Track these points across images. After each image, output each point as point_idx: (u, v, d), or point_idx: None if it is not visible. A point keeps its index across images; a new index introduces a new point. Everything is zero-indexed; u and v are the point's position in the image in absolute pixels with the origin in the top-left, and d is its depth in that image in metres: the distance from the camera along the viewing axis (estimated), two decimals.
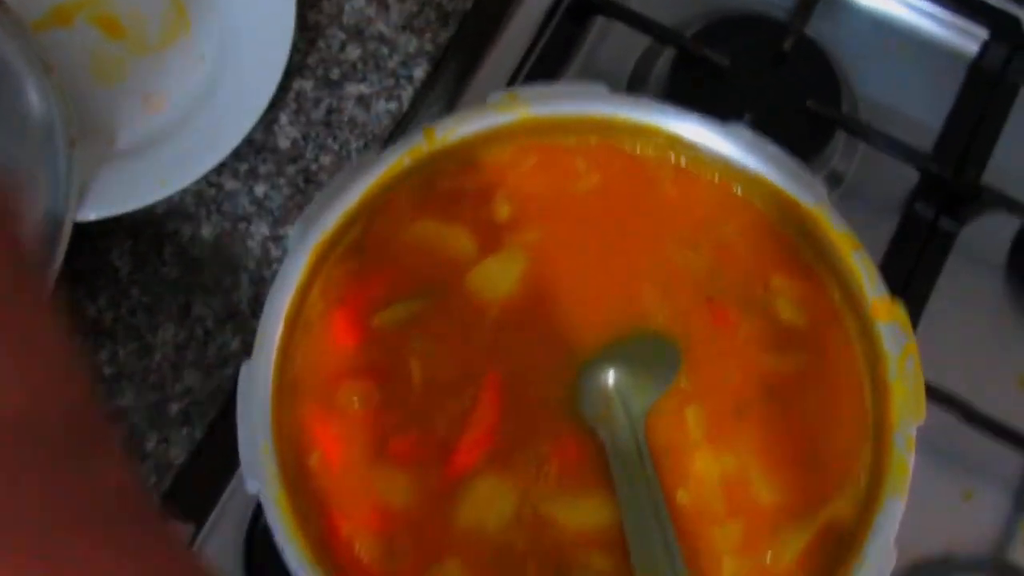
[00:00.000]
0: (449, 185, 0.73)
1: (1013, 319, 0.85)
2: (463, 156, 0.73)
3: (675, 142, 0.72)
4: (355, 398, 0.69)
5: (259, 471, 0.65)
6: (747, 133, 0.71)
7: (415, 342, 0.70)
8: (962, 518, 0.81)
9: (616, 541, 0.67)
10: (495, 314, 0.71)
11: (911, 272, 0.84)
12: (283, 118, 0.88)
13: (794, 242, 0.72)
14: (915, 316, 0.82)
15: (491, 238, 0.72)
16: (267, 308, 0.68)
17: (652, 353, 0.69)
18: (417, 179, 0.73)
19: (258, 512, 0.75)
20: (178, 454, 0.79)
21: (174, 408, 0.80)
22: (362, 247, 0.72)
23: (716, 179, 0.72)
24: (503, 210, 0.72)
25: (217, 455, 0.78)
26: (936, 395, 0.78)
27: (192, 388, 0.80)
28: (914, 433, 0.66)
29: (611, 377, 0.68)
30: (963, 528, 0.81)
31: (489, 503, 0.68)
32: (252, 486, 0.65)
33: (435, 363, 0.70)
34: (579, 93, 0.74)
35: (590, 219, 0.73)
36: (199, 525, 0.77)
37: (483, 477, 0.68)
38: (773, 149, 0.71)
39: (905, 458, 0.66)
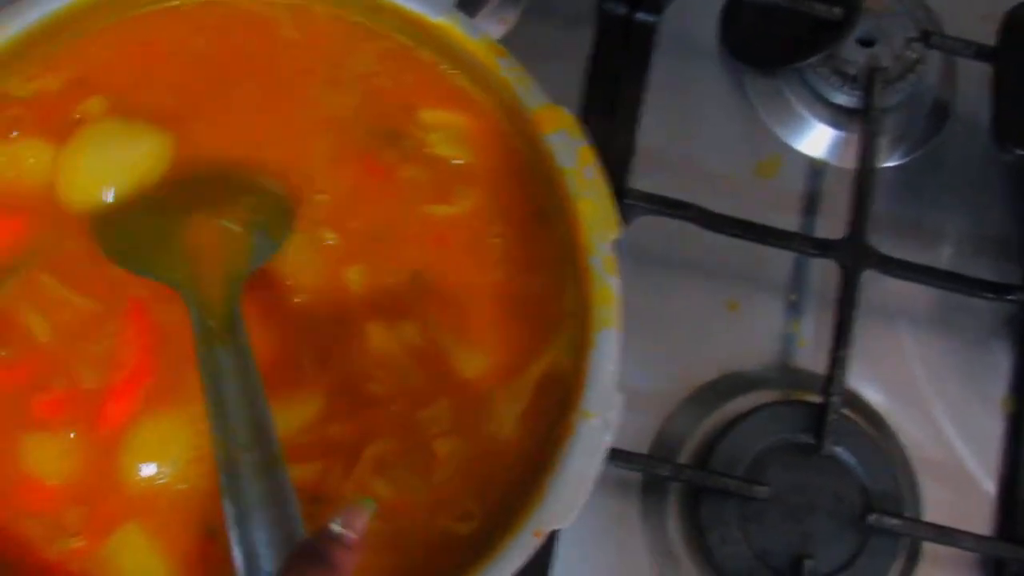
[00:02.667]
0: (27, 91, 0.61)
1: (738, 105, 0.76)
2: (34, 55, 0.61)
3: None
4: None
5: None
6: None
7: (29, 302, 0.60)
8: (733, 332, 0.72)
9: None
10: None
11: (618, 76, 0.74)
12: None
13: (439, 68, 0.61)
14: (632, 121, 0.73)
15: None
16: None
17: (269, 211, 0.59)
18: None
19: None
20: None
21: None
22: None
23: (336, 11, 0.61)
24: (94, 104, 0.61)
25: None
26: (669, 206, 0.69)
27: None
28: (612, 252, 0.57)
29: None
30: (737, 343, 0.72)
31: (159, 449, 0.58)
32: None
33: (60, 311, 0.59)
34: None
35: (215, 89, 0.62)
36: None
37: (146, 422, 0.57)
38: None
39: (607, 283, 0.57)
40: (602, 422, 0.55)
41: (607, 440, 0.55)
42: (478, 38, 0.60)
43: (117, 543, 0.57)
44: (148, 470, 0.58)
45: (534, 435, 0.58)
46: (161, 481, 0.58)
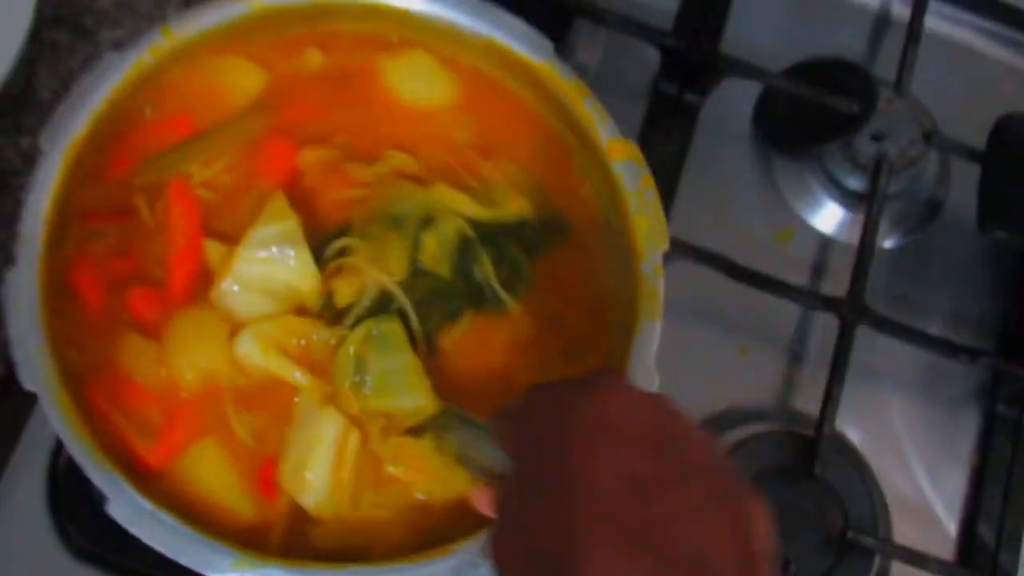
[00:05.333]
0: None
1: (763, 180, 0.88)
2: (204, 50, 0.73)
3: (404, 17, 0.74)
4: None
5: (33, 371, 0.63)
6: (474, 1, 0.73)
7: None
8: (742, 373, 0.83)
9: None
10: None
11: (664, 148, 0.86)
12: (41, 70, 0.86)
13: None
14: (671, 188, 0.84)
15: None
16: (25, 212, 0.66)
17: None
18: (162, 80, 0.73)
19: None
20: None
21: None
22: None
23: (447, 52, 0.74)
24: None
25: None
26: (700, 255, 0.80)
27: None
28: (660, 260, 0.68)
29: None
30: (744, 382, 0.83)
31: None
32: (29, 385, 0.63)
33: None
34: None
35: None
36: (4, 461, 0.75)
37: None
38: (499, 12, 0.72)
39: (655, 283, 0.68)
40: None
41: None
42: (571, 80, 0.72)
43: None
44: None
45: None
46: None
